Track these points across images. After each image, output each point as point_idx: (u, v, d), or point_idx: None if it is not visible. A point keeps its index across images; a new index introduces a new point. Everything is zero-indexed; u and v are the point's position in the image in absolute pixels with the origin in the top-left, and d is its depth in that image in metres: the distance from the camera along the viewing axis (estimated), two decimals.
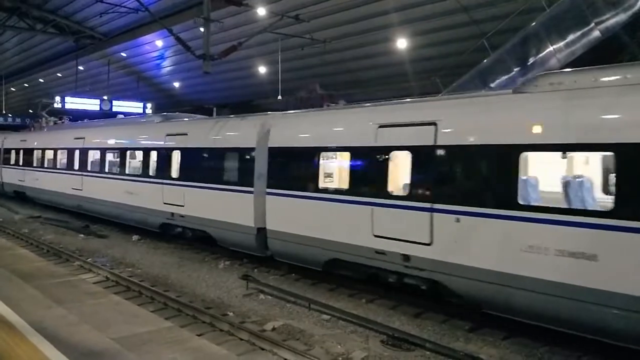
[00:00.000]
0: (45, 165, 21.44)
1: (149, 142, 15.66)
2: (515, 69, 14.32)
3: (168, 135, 14.67)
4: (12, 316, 5.60)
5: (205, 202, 13.11)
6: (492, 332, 8.11)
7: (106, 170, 17.67)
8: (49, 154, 21.46)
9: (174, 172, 14.26)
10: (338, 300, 9.82)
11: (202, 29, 23.73)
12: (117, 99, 36.62)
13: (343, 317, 8.80)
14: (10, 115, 47.73)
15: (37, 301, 6.18)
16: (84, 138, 19.05)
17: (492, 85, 15.05)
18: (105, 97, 35.83)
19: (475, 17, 19.17)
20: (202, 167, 13.45)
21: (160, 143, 14.92)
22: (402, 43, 22.20)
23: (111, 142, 17.91)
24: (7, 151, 25.89)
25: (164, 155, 14.61)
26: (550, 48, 13.79)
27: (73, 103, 33.97)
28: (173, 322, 7.27)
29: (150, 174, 15.18)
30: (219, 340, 7.62)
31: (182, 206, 13.73)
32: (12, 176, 24.91)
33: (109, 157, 17.88)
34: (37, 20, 32.47)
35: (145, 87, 39.82)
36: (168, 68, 36.62)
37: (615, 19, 12.55)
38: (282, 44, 23.53)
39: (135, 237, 16.40)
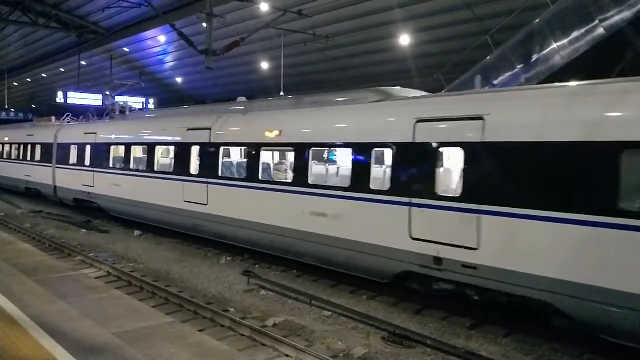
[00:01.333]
0: (136, 168, 16.15)
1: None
2: (519, 66, 14.25)
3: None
4: (14, 310, 5.60)
5: None
6: (493, 329, 8.11)
7: (262, 176, 11.94)
8: (140, 152, 16.41)
9: None
10: (339, 297, 9.82)
11: (204, 25, 23.83)
12: (120, 94, 36.57)
13: (344, 314, 8.80)
14: (12, 110, 47.86)
15: (39, 295, 6.18)
16: (209, 129, 13.31)
17: (494, 82, 15.01)
18: (107, 92, 35.78)
19: (478, 13, 19.11)
20: None
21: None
22: (405, 39, 22.13)
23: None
24: (65, 147, 20.50)
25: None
26: (554, 45, 13.71)
27: (75, 98, 33.97)
28: (175, 317, 7.29)
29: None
30: (220, 336, 7.63)
31: None
32: (72, 180, 19.64)
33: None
34: (39, 15, 32.44)
35: (148, 83, 39.78)
36: (171, 63, 36.61)
37: (620, 15, 12.46)
38: (286, 40, 23.48)
39: (137, 233, 16.43)
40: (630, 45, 13.10)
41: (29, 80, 50.70)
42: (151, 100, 37.16)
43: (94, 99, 34.91)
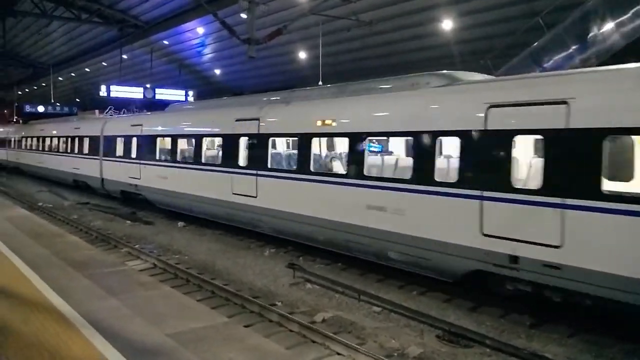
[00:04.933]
0: (183, 160, 15.98)
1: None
2: (573, 47, 13.48)
3: None
4: (64, 307, 5.52)
5: None
6: (557, 328, 7.63)
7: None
8: (186, 144, 16.51)
9: None
10: (388, 292, 9.50)
11: (243, 15, 23.64)
12: (160, 87, 37.04)
13: (395, 310, 8.48)
14: (58, 104, 49.16)
15: (89, 291, 6.09)
16: (257, 119, 12.89)
17: (545, 65, 14.26)
18: (148, 85, 36.29)
19: None
20: None
21: None
22: (447, 24, 21.39)
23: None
24: (111, 140, 20.54)
25: None
26: (612, 24, 12.89)
27: (117, 91, 34.57)
28: (228, 316, 7.04)
29: None
30: (268, 332, 7.45)
31: None
32: (119, 173, 19.52)
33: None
34: (82, 10, 32.98)
35: (187, 75, 40.11)
36: (209, 55, 36.69)
37: None
38: (325, 28, 23.08)
39: (180, 224, 16.50)
40: None
41: (73, 74, 51.87)
42: (190, 93, 37.49)
43: (136, 92, 35.48)
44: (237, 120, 13.58)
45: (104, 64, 44.16)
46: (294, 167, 11.89)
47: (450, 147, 9.03)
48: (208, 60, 37.57)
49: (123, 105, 33.89)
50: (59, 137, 27.14)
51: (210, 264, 11.76)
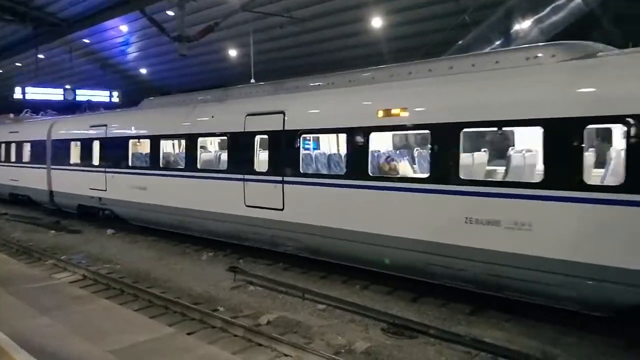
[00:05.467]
0: (171, 166, 13.70)
1: None
2: (497, 42, 14.10)
3: None
4: None
5: None
6: (495, 314, 7.93)
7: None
8: (174, 146, 14.86)
9: None
10: (332, 289, 9.49)
11: (170, 13, 22.89)
12: (81, 87, 35.22)
13: (339, 306, 8.49)
14: None
15: (17, 310, 5.59)
16: (282, 113, 10.58)
17: None
18: (68, 86, 34.41)
19: None
20: None
21: None
22: (377, 22, 21.73)
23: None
24: (63, 144, 17.67)
25: None
26: (531, 20, 13.63)
27: (34, 93, 32.56)
28: (169, 324, 6.72)
29: None
30: (212, 338, 7.22)
31: None
32: (75, 184, 16.70)
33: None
34: None
35: (111, 75, 38.39)
36: (134, 54, 35.27)
37: None
38: (256, 25, 22.78)
39: (110, 231, 15.76)
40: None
41: None
42: (115, 93, 35.93)
43: (55, 94, 33.56)
44: (249, 115, 11.21)
45: (18, 64, 41.38)
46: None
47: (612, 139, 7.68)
48: (133, 59, 36.14)
49: (41, 108, 31.88)
50: None
51: (145, 272, 11.27)
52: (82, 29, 31.60)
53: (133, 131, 14.76)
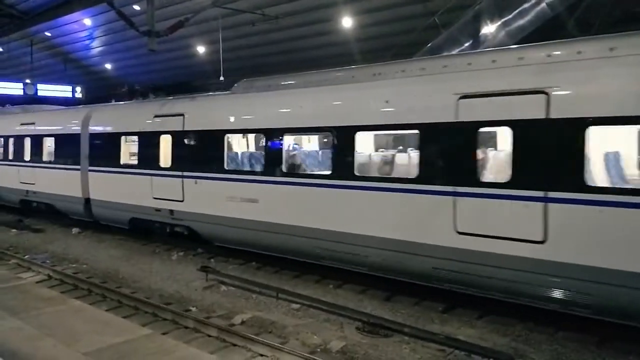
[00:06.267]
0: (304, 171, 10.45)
1: None
2: (466, 45, 14.34)
3: None
4: None
5: None
6: (466, 312, 8.06)
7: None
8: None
9: None
10: (305, 288, 9.49)
11: (137, 7, 22.43)
12: (43, 82, 34.13)
13: (314, 305, 8.49)
14: None
15: None
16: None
17: None
18: (28, 81, 33.30)
19: None
20: None
21: None
22: (347, 22, 21.80)
23: None
24: (107, 140, 14.13)
25: None
26: (499, 23, 13.90)
27: None
28: (152, 328, 6.54)
29: None
30: (186, 339, 7.11)
31: None
32: (128, 191, 13.30)
33: None
34: None
35: (74, 70, 37.31)
36: (99, 49, 34.36)
37: None
38: (226, 22, 22.53)
39: (75, 230, 15.34)
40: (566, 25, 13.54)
41: None
42: (78, 89, 34.97)
43: (14, 88, 32.44)
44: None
45: None
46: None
47: None
48: (97, 54, 35.21)
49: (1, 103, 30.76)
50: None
51: (113, 272, 11.03)
52: (44, 22, 30.62)
53: (232, 122, 10.98)
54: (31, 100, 32.00)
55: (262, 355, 6.69)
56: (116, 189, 13.51)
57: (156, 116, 12.45)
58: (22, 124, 17.31)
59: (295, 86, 10.34)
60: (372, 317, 7.82)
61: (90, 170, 14.36)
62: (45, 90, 33.25)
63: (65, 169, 15.14)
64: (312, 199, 9.34)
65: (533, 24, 13.73)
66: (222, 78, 24.57)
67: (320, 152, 11.27)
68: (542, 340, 7.04)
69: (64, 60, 36.31)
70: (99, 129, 14.38)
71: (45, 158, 16.12)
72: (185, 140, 11.67)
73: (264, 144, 10.43)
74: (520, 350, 6.76)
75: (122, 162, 13.43)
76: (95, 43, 33.60)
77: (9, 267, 11.38)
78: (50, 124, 16.49)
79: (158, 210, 12.28)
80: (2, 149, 18.44)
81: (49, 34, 33.06)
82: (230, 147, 11.42)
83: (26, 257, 12.09)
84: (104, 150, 13.98)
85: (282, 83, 10.65)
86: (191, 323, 7.76)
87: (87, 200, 14.43)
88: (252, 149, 12.21)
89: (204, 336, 7.36)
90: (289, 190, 9.74)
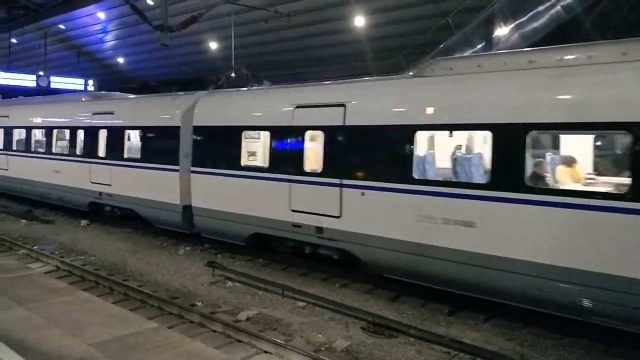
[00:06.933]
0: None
1: None
2: (479, 46, 14.28)
3: None
4: None
5: None
6: (472, 315, 8.01)
7: None
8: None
9: None
10: (311, 286, 9.48)
11: (150, 2, 22.52)
12: (56, 74, 34.38)
13: (319, 304, 8.49)
14: None
15: None
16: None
17: None
18: (41, 73, 33.54)
19: None
20: None
21: None
22: (359, 21, 21.76)
23: None
24: (219, 135, 11.53)
25: None
26: (512, 26, 13.82)
27: (5, 78, 31.61)
28: (158, 322, 6.56)
29: None
30: (191, 333, 7.12)
31: None
32: (251, 199, 10.74)
33: None
34: None
35: (87, 63, 37.56)
36: (111, 42, 34.59)
37: None
38: (238, 19, 22.57)
39: (84, 222, 15.42)
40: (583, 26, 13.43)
41: None
42: (90, 82, 35.17)
43: (27, 80, 32.67)
44: None
45: None
46: None
47: None
48: (110, 48, 35.44)
49: (12, 94, 31.01)
50: (48, 130, 16.79)
51: (120, 265, 11.09)
52: (58, 15, 30.88)
53: (431, 115, 8.12)
54: (45, 92, 32.26)
55: (266, 352, 6.70)
56: (232, 197, 10.94)
57: (298, 107, 9.88)
58: (95, 114, 14.74)
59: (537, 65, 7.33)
60: (378, 317, 7.81)
61: (193, 172, 11.65)
62: (58, 82, 33.46)
63: (157, 169, 12.49)
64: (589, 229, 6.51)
65: (547, 26, 13.66)
66: (233, 75, 24.61)
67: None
68: (548, 345, 6.99)
69: (77, 53, 36.57)
70: (208, 121, 11.68)
71: (127, 155, 13.51)
72: (347, 139, 9.03)
73: (492, 145, 7.33)
74: (526, 355, 6.71)
75: (242, 163, 10.84)
76: (109, 37, 33.83)
77: (18, 257, 11.47)
78: (136, 115, 13.92)
79: (297, 226, 9.75)
80: (65, 142, 15.93)
81: (63, 27, 33.32)
82: (423, 149, 8.80)
83: (35, 247, 12.18)
84: (216, 148, 11.45)
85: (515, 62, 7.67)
86: (197, 318, 7.78)
87: (187, 208, 11.89)
88: (463, 151, 9.11)
89: (209, 331, 7.39)
90: (541, 213, 6.78)
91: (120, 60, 36.39)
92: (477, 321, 7.83)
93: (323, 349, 6.86)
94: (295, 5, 20.93)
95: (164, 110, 12.91)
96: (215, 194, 11.35)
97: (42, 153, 16.87)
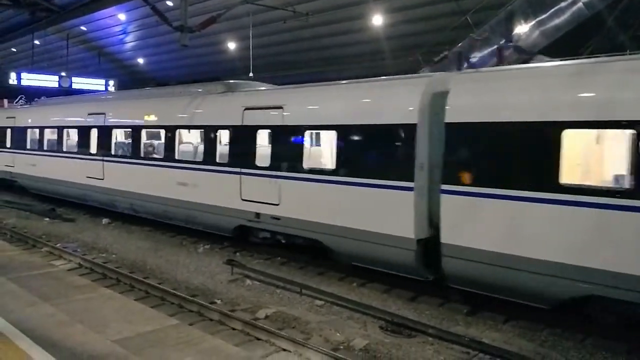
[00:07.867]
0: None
1: None
2: (499, 44, 14.17)
3: None
4: None
5: None
6: (492, 315, 7.94)
7: None
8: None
9: None
10: (329, 285, 9.50)
11: (169, 3, 22.76)
12: (77, 75, 34.94)
13: (337, 303, 8.50)
14: None
15: (18, 297, 5.55)
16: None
17: (472, 60, 14.82)
18: (63, 74, 34.12)
19: None
20: None
21: None
22: (377, 20, 21.73)
23: None
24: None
25: None
26: (533, 23, 13.67)
27: (29, 79, 32.21)
28: (179, 319, 6.64)
29: None
30: (211, 330, 7.20)
31: None
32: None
33: None
34: None
35: (108, 64, 38.12)
36: (132, 43, 35.08)
37: None
38: (256, 19, 22.70)
39: (105, 221, 15.66)
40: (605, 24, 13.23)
41: None
42: (111, 82, 35.66)
43: (50, 80, 33.25)
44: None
45: (13, 49, 41.03)
46: None
47: None
48: (131, 49, 35.93)
49: (35, 95, 31.60)
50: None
51: (141, 263, 11.24)
52: (80, 16, 31.34)
53: None
54: (66, 92, 32.80)
55: (285, 350, 6.74)
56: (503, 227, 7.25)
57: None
58: (247, 109, 11.01)
59: None
60: (396, 316, 7.79)
61: (444, 192, 7.75)
62: (79, 83, 33.99)
63: (370, 185, 8.70)
64: None
65: (569, 23, 13.47)
66: (251, 74, 24.76)
67: None
68: (569, 346, 6.90)
69: (98, 54, 37.13)
70: (484, 116, 7.46)
71: (308, 165, 9.83)
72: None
73: None
74: (547, 356, 6.65)
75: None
76: (129, 38, 34.29)
77: (41, 254, 11.71)
78: (328, 109, 9.86)
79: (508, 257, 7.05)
80: (199, 145, 12.56)
81: (84, 28, 33.85)
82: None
83: (58, 245, 12.40)
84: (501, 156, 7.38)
85: None
86: (216, 315, 7.86)
87: (425, 245, 8.27)
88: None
89: (228, 329, 7.46)
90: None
91: (140, 60, 36.87)
92: (497, 322, 7.76)
93: (341, 347, 6.88)
94: (313, 4, 20.98)
95: (385, 103, 8.93)
96: (489, 224, 7.37)
97: (160, 160, 13.23)
